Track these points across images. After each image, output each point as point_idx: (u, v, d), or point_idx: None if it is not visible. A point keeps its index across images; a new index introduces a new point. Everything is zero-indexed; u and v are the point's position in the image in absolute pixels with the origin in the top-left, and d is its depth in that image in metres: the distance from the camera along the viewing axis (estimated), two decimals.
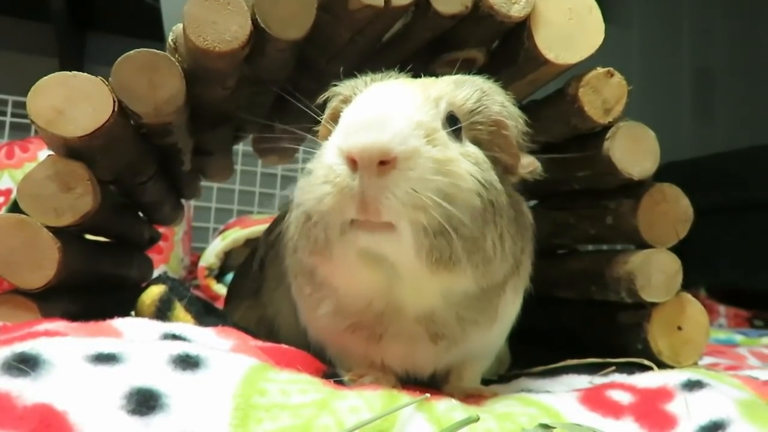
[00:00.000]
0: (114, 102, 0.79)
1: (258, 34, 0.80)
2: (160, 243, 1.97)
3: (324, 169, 0.65)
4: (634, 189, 0.96)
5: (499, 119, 0.73)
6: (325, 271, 0.71)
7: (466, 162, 0.67)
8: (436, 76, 0.77)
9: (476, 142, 0.72)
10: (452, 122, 0.70)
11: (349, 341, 0.75)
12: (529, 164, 0.77)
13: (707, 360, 1.27)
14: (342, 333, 0.74)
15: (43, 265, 0.79)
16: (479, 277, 0.69)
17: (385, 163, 0.60)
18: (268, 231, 1.12)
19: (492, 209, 0.68)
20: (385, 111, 0.63)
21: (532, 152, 0.78)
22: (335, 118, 0.72)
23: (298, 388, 0.58)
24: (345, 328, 0.74)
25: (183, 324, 0.80)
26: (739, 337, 1.99)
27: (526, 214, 0.80)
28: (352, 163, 0.61)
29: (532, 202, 1.17)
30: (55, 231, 0.79)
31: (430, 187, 0.62)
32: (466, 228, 0.64)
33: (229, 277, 2.31)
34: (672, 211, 0.96)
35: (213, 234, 2.85)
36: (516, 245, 0.74)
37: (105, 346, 0.58)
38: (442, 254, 0.64)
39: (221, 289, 2.32)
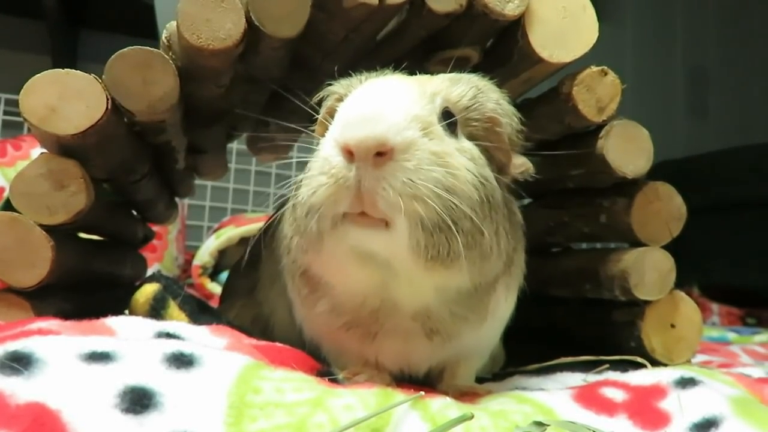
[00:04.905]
0: (107, 100, 0.78)
1: (252, 32, 0.80)
2: (154, 241, 1.96)
3: (320, 161, 0.64)
4: (628, 187, 0.96)
5: (494, 116, 0.73)
6: (318, 268, 0.71)
7: (462, 157, 0.67)
8: (431, 74, 0.77)
9: (471, 139, 0.72)
10: (447, 118, 0.70)
11: (344, 339, 0.75)
12: (521, 164, 0.77)
13: (700, 358, 1.27)
14: (337, 331, 0.75)
15: (36, 263, 0.78)
16: (475, 274, 0.69)
17: (381, 154, 0.60)
18: (263, 229, 1.12)
19: (488, 204, 0.68)
20: (381, 104, 0.63)
21: (526, 150, 0.78)
22: (331, 117, 0.72)
23: (292, 386, 0.58)
24: (340, 326, 0.74)
25: (177, 322, 0.79)
26: (731, 335, 2.00)
27: (517, 213, 0.80)
28: (349, 155, 0.61)
29: (526, 201, 1.17)
30: (48, 229, 0.79)
31: (427, 177, 0.62)
32: (466, 221, 0.64)
33: (224, 275, 2.31)
34: (665, 209, 0.96)
35: (207, 232, 2.84)
36: (509, 243, 0.74)
37: (99, 344, 0.58)
38: (440, 250, 0.63)
39: (215, 288, 2.32)
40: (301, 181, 0.68)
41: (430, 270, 0.65)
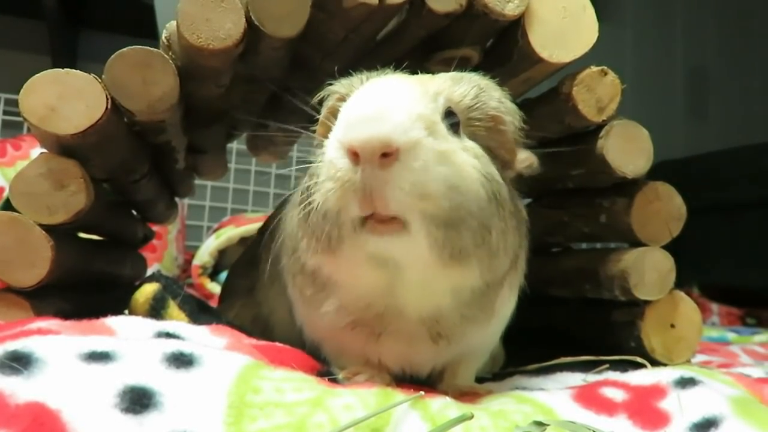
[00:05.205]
0: (107, 99, 0.78)
1: (252, 32, 0.80)
2: (154, 241, 1.96)
3: (326, 165, 0.64)
4: (628, 187, 0.96)
5: (497, 115, 0.73)
6: (331, 269, 0.71)
7: (467, 155, 0.67)
8: (432, 74, 0.77)
9: (474, 138, 0.72)
10: (450, 118, 0.70)
11: (347, 339, 0.74)
12: (525, 159, 0.77)
13: (700, 358, 1.27)
14: (341, 330, 0.74)
15: (35, 263, 0.78)
16: (485, 271, 0.69)
17: (387, 155, 0.60)
18: (263, 229, 1.12)
19: (495, 201, 0.68)
20: (385, 104, 0.63)
21: (526, 148, 0.78)
22: (333, 117, 0.72)
23: (292, 386, 0.58)
24: (345, 325, 0.73)
25: (177, 322, 0.79)
26: (731, 335, 2.00)
27: (522, 209, 0.80)
28: (354, 156, 0.61)
29: (527, 201, 1.17)
30: (48, 229, 0.79)
31: (434, 176, 0.62)
32: (474, 219, 0.64)
33: (223, 275, 2.31)
34: (665, 209, 0.96)
35: (207, 232, 2.84)
36: (516, 240, 0.74)
37: (98, 344, 0.58)
38: (454, 247, 0.63)
39: (215, 288, 2.32)
40: (314, 185, 0.67)
41: (449, 268, 0.65)
